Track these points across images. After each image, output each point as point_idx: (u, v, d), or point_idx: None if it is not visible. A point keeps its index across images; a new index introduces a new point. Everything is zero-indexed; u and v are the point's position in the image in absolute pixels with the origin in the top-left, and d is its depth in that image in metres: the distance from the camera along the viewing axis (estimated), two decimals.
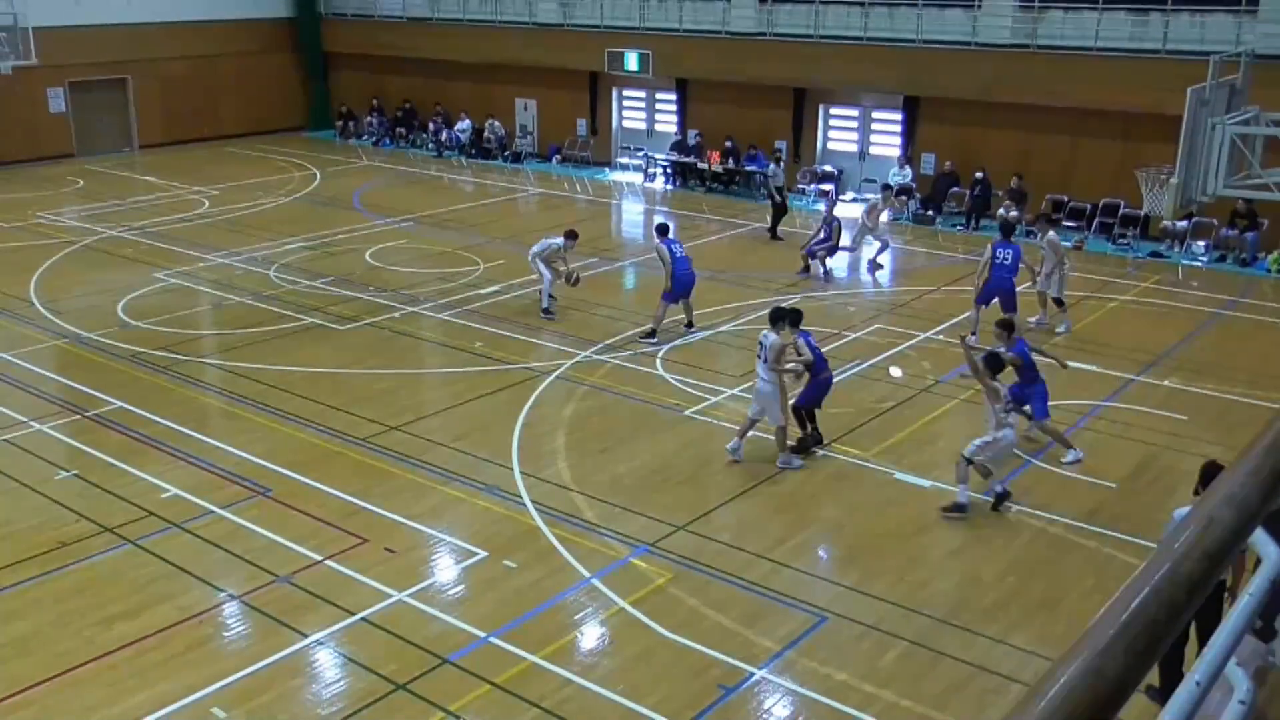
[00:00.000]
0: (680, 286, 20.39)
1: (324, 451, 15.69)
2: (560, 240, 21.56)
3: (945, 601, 12.07)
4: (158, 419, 16.68)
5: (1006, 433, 13.84)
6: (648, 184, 36.07)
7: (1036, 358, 15.62)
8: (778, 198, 28.54)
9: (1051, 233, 21.38)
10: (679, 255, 20.43)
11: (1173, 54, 26.26)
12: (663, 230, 21.01)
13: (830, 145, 34.29)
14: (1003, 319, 16.19)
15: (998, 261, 19.92)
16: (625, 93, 38.78)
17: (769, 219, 28.76)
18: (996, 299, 19.89)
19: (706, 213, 31.88)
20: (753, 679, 10.66)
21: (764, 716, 10.30)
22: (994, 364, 14.02)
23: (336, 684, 10.64)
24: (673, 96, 36.94)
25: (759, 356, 15.16)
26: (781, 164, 29.38)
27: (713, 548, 13.08)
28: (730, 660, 10.90)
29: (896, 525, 13.82)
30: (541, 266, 21.50)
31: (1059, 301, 20.94)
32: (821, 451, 15.71)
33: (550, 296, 21.60)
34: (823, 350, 16.22)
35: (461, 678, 10.61)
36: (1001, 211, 27.80)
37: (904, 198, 30.06)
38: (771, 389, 14.99)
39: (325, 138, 43.97)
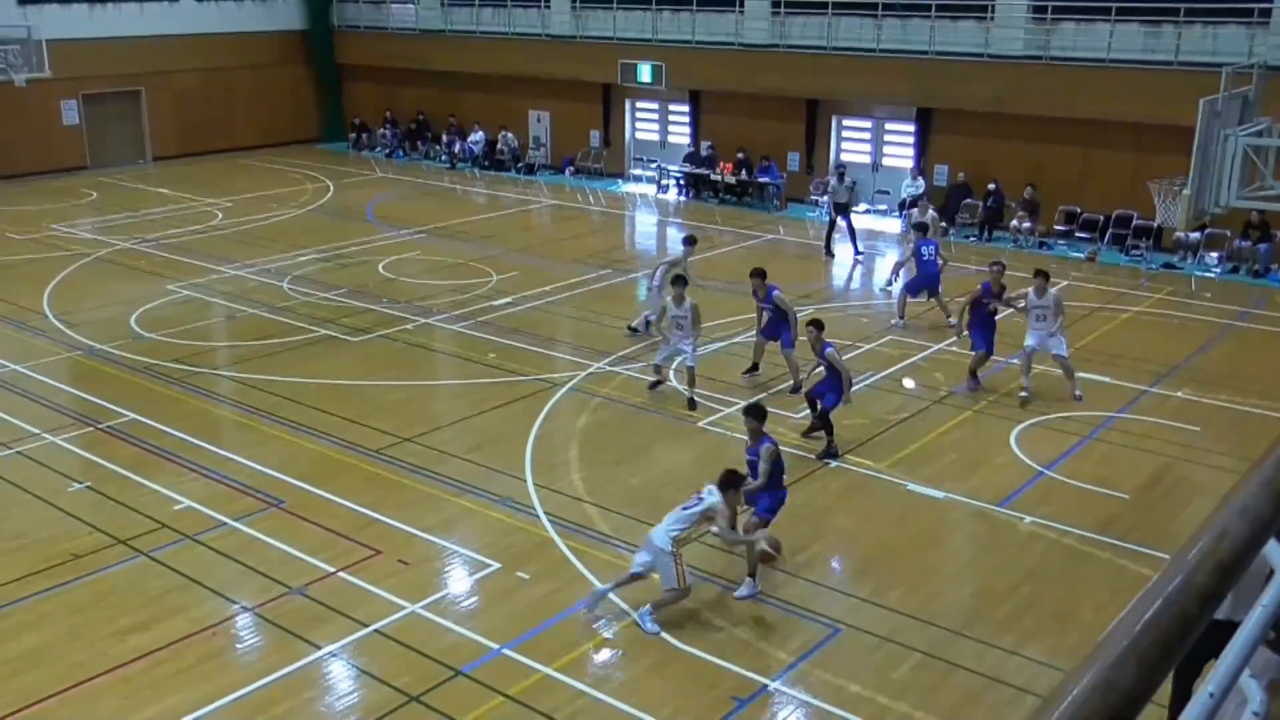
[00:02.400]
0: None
1: (337, 463, 15.71)
2: (680, 252, 20.72)
3: (959, 613, 12.04)
4: (171, 431, 16.72)
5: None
6: (661, 195, 36.10)
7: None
8: (832, 214, 28.41)
9: (931, 210, 25.56)
10: None
11: (1185, 65, 26.22)
12: (765, 274, 18.71)
13: (843, 156, 34.23)
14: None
15: (924, 258, 22.04)
16: (638, 104, 38.83)
17: (825, 235, 28.59)
18: (924, 287, 22.12)
19: (719, 224, 31.89)
20: (766, 691, 10.64)
21: None
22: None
23: (349, 696, 10.64)
24: (686, 108, 36.97)
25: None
26: (845, 180, 28.69)
27: (726, 559, 13.05)
28: (744, 672, 10.89)
29: (910, 537, 13.80)
30: (656, 286, 20.19)
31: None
32: (835, 463, 15.72)
33: (648, 321, 20.59)
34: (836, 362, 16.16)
35: (475, 690, 10.61)
36: (916, 213, 26.27)
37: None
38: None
39: (338, 149, 44.09)
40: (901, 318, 21.95)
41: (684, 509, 11.81)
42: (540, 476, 15.24)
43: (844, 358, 16.53)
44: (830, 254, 28.13)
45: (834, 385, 15.89)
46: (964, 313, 18.76)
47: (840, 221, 28.17)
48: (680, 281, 18.02)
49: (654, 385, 18.42)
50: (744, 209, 33.73)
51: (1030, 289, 17.99)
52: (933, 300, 22.04)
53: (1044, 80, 28.67)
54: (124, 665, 11.01)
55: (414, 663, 11.03)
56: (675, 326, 17.70)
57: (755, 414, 13.17)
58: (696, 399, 17.74)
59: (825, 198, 30.60)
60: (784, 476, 13.05)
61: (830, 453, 15.89)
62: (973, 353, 18.52)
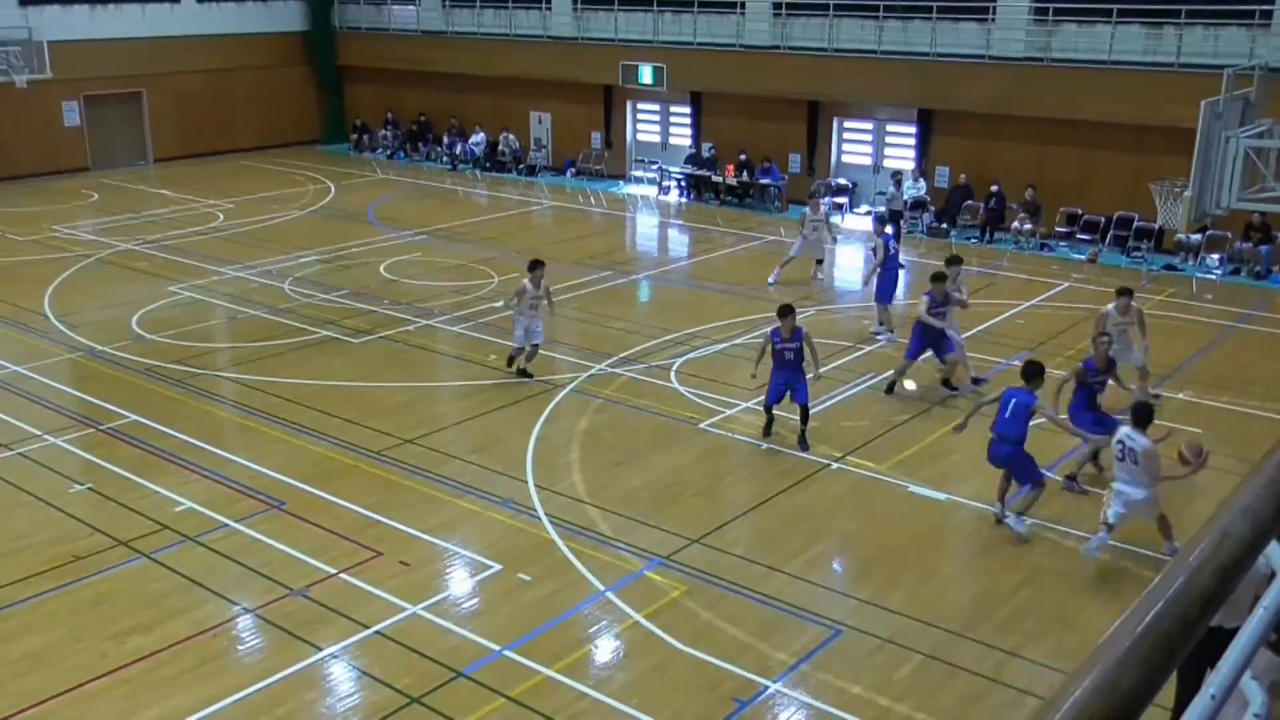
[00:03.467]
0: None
1: (338, 465, 15.71)
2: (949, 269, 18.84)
3: (961, 615, 12.03)
4: (172, 432, 16.72)
5: None
6: (662, 197, 36.10)
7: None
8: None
9: (824, 205, 26.16)
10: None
11: (1186, 67, 26.22)
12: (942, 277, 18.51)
13: (845, 158, 34.27)
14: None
15: (892, 252, 21.48)
16: (640, 106, 38.84)
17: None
18: (894, 290, 21.57)
19: (721, 226, 31.91)
20: (767, 692, 10.63)
21: None
22: None
23: (351, 697, 10.64)
24: (687, 109, 36.97)
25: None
26: (902, 187, 28.18)
27: (727, 561, 13.06)
28: (745, 673, 10.88)
29: (912, 538, 13.79)
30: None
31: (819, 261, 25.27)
32: (836, 464, 15.71)
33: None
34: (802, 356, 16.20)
35: (476, 691, 10.61)
36: (808, 211, 25.48)
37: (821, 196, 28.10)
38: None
39: (340, 151, 44.10)
40: (886, 326, 21.28)
41: (1134, 462, 12.46)
42: (541, 478, 15.24)
43: (840, 361, 16.59)
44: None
45: (797, 375, 16.20)
46: (1060, 392, 15.23)
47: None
48: (538, 265, 18.75)
49: (522, 371, 18.98)
50: (745, 210, 33.72)
51: (1111, 306, 17.12)
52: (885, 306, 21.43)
53: (1045, 82, 28.67)
54: (125, 667, 11.01)
55: (415, 664, 11.03)
56: (531, 308, 18.51)
57: (1035, 371, 14.07)
58: (532, 372, 18.97)
59: (883, 208, 29.93)
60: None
61: (804, 443, 16.20)
62: (1086, 436, 14.97)
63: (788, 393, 16.24)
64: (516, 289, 18.88)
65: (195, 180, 37.71)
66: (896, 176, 29.64)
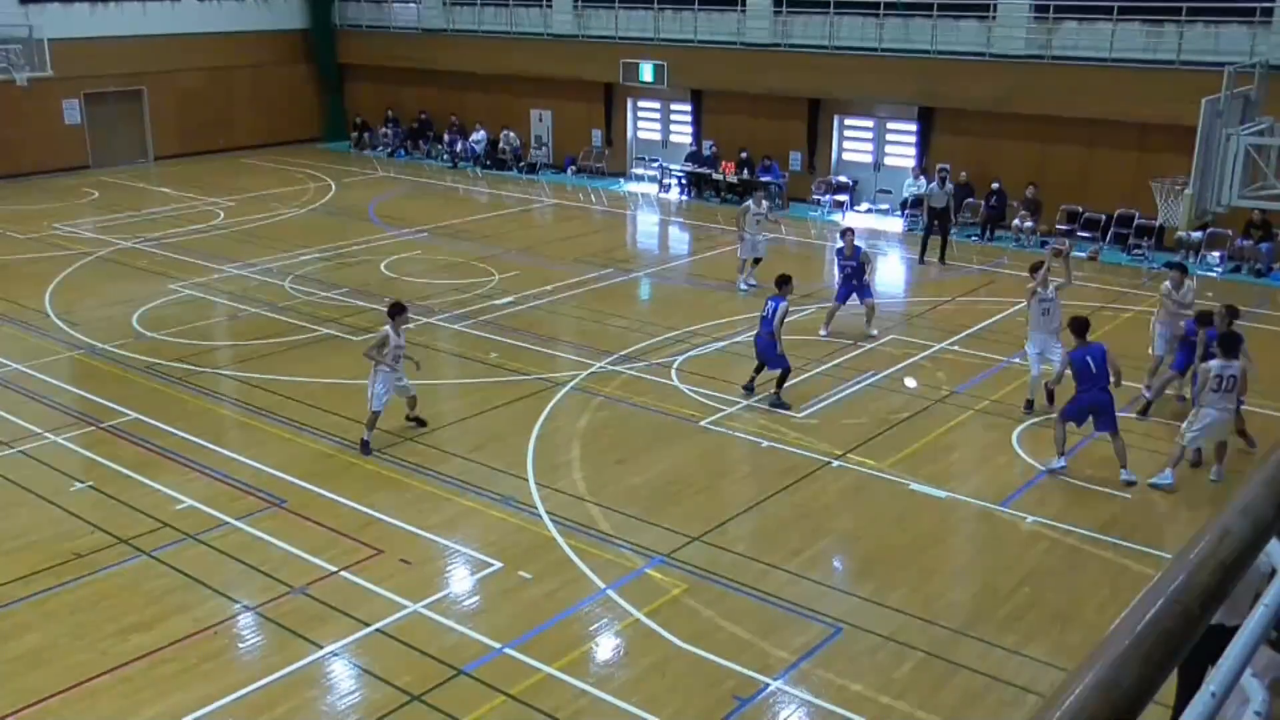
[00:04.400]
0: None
1: (339, 462, 15.71)
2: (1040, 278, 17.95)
3: (961, 612, 12.04)
4: (173, 430, 16.72)
5: None
6: (662, 195, 36.09)
7: None
8: (925, 219, 27.36)
9: (765, 202, 25.64)
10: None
11: (1187, 65, 26.21)
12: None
13: (845, 156, 34.25)
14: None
15: (858, 251, 21.51)
16: (640, 104, 38.82)
17: (938, 250, 27.10)
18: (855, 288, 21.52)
19: (721, 223, 31.87)
20: (768, 690, 10.64)
21: None
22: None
23: (351, 695, 10.64)
24: (688, 107, 36.97)
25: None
26: (946, 184, 27.50)
27: (728, 558, 13.06)
28: (746, 671, 10.88)
29: (912, 536, 13.79)
30: (1051, 357, 17.46)
31: (757, 260, 24.71)
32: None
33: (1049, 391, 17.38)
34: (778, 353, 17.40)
35: (477, 689, 10.61)
36: (751, 204, 25.23)
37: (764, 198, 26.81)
38: None
39: (340, 149, 44.08)
40: (828, 323, 21.15)
41: (1229, 389, 14.62)
42: (542, 476, 15.24)
43: (841, 359, 16.71)
44: (925, 261, 27.03)
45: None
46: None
47: (934, 236, 27.02)
48: (400, 310, 16.33)
49: (418, 420, 16.90)
50: None
51: (1167, 282, 18.18)
52: (838, 306, 21.37)
53: (1046, 80, 28.66)
54: (126, 665, 11.01)
55: (416, 662, 11.03)
56: (394, 360, 16.08)
57: (1084, 326, 15.51)
58: (425, 419, 16.94)
59: (918, 203, 29.48)
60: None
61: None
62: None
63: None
64: (378, 339, 16.18)
65: (196, 178, 37.71)
66: (942, 174, 28.09)
